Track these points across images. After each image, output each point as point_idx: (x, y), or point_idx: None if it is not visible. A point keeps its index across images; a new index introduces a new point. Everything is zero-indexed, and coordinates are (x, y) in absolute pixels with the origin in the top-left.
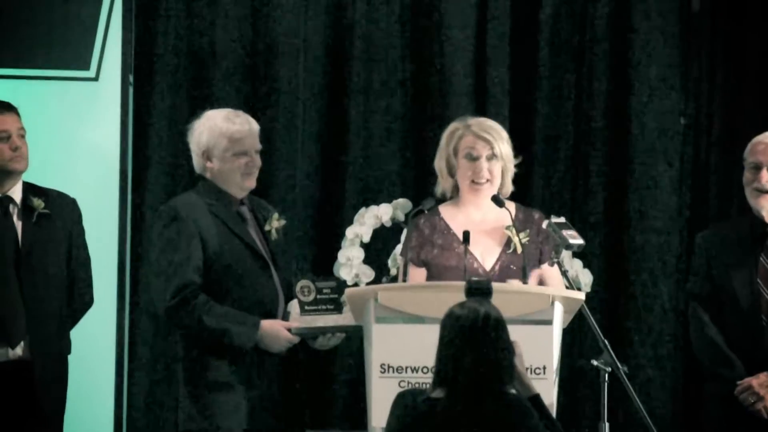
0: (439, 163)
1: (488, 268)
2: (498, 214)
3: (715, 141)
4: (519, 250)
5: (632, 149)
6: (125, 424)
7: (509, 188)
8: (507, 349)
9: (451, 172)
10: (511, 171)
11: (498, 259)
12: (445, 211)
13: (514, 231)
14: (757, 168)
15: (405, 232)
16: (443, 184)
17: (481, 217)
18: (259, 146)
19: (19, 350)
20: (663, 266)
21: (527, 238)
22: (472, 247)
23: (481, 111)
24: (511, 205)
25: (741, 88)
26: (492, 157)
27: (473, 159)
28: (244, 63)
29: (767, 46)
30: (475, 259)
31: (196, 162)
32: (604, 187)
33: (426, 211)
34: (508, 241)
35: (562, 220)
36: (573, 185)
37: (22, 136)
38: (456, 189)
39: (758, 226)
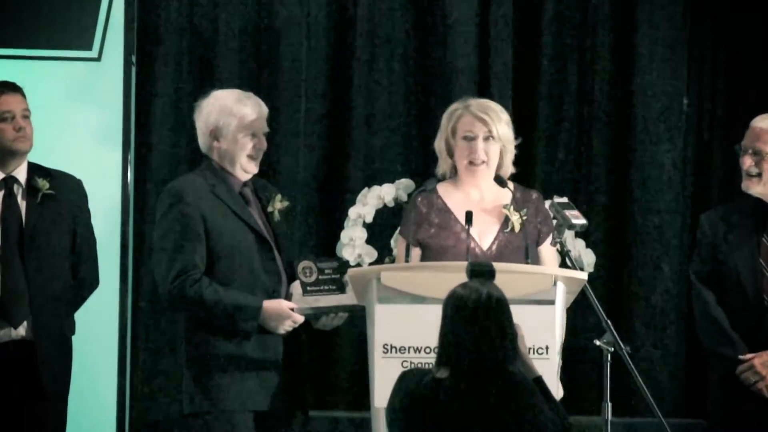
0: (439, 144)
1: (485, 247)
2: (496, 193)
3: (718, 122)
4: (517, 229)
5: (635, 130)
6: (128, 406)
7: (509, 169)
8: (510, 329)
9: (450, 153)
10: (511, 152)
11: (495, 239)
12: (443, 190)
13: (512, 210)
14: (744, 150)
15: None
16: (443, 165)
17: (479, 196)
18: (266, 129)
19: (22, 330)
20: (665, 246)
21: (525, 218)
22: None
23: (484, 92)
24: (510, 185)
25: (744, 69)
26: (489, 137)
27: (470, 139)
28: (247, 42)
29: None
30: (472, 239)
31: (203, 141)
32: (607, 168)
33: (426, 191)
34: (506, 221)
35: (565, 200)
36: (576, 166)
37: (26, 117)
38: (455, 170)
39: (761, 207)
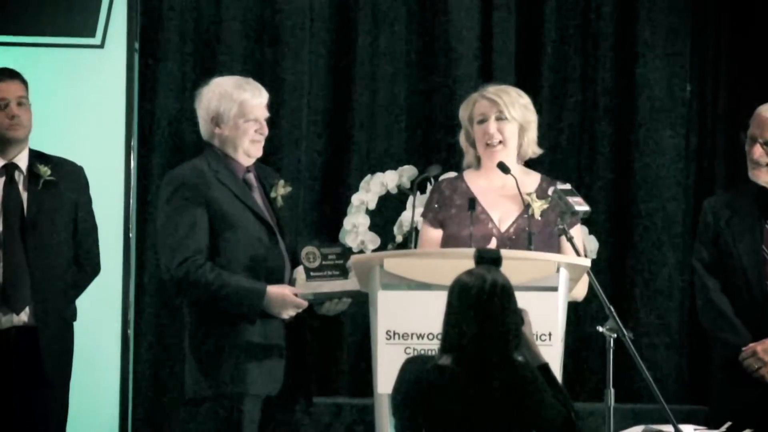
0: (461, 137)
1: (503, 230)
2: (520, 180)
3: (721, 108)
4: (537, 216)
5: (638, 116)
6: (131, 392)
7: (530, 150)
8: (514, 316)
9: (470, 141)
10: (531, 132)
11: (514, 223)
12: (469, 176)
13: (534, 197)
14: (753, 140)
15: (410, 199)
16: (468, 157)
17: (502, 182)
18: (267, 114)
19: (24, 316)
20: (668, 232)
21: (546, 206)
22: (490, 210)
23: (487, 78)
24: (536, 176)
25: (747, 54)
26: (501, 118)
27: (483, 122)
28: (250, 29)
29: None
30: (491, 221)
31: (204, 128)
32: (609, 154)
33: (432, 179)
34: (528, 207)
35: (568, 186)
36: (579, 152)
37: (22, 104)
38: (479, 160)
39: (765, 193)
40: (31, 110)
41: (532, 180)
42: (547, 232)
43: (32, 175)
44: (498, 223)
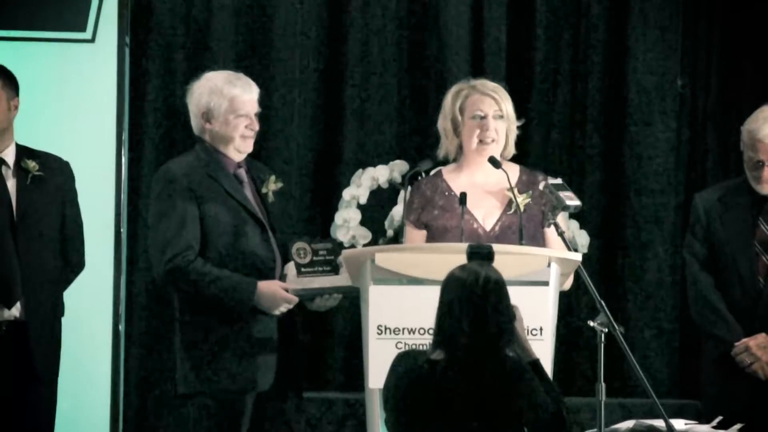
0: (444, 124)
1: (488, 228)
2: (501, 175)
3: (712, 103)
4: (521, 210)
5: (629, 110)
6: (122, 387)
7: (512, 150)
8: (507, 312)
9: (457, 132)
10: (514, 132)
11: (498, 220)
12: (448, 173)
13: (516, 192)
14: (761, 164)
15: (401, 194)
16: (447, 146)
17: (483, 178)
18: (258, 109)
19: (15, 311)
20: (660, 227)
21: (528, 200)
22: (473, 208)
23: (478, 72)
24: (515, 168)
25: (739, 49)
26: (499, 116)
27: (480, 118)
28: (241, 24)
29: (766, 9)
30: (475, 220)
31: (195, 123)
32: (601, 149)
33: (423, 174)
34: (510, 203)
35: (559, 181)
36: (570, 146)
37: None
38: (460, 150)
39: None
40: (10, 104)
41: (512, 173)
42: (531, 226)
43: (20, 170)
44: (482, 222)
